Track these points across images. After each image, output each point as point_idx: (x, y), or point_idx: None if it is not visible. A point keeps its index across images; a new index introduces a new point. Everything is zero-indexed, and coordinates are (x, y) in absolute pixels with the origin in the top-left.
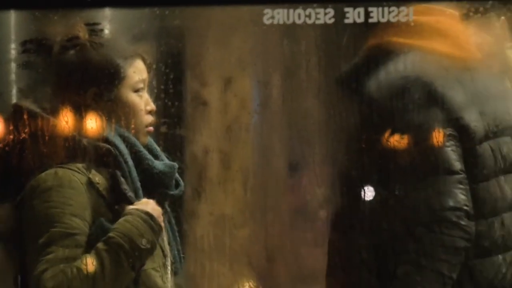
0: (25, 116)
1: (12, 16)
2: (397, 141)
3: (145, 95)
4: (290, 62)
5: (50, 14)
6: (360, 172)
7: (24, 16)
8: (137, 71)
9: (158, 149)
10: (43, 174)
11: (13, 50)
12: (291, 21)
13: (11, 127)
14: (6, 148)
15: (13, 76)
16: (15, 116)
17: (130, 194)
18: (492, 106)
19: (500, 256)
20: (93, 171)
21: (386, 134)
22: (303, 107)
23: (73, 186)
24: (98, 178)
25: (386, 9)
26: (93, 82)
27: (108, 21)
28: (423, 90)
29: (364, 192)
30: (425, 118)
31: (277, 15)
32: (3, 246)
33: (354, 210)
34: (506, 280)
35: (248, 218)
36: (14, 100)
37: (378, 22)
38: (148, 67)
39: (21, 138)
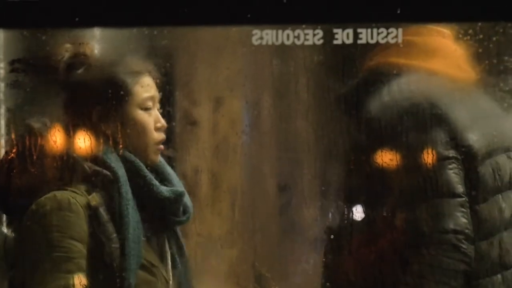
0: (28, 136)
1: (0, 35)
2: (399, 162)
3: (155, 112)
4: (279, 83)
5: (38, 34)
6: (355, 192)
7: (12, 35)
8: (145, 88)
9: (169, 171)
10: (42, 198)
11: (1, 69)
12: (280, 41)
13: (15, 147)
14: (8, 168)
15: (1, 95)
16: (20, 136)
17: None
18: (490, 125)
19: (499, 276)
20: (94, 194)
21: (388, 155)
22: (292, 128)
23: (72, 209)
24: (96, 201)
25: (375, 30)
26: (97, 101)
27: (96, 41)
28: (428, 111)
29: (360, 212)
30: (428, 140)
31: (266, 36)
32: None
33: (351, 231)
34: None
35: (236, 238)
36: (2, 120)
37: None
38: (157, 83)
39: (22, 158)
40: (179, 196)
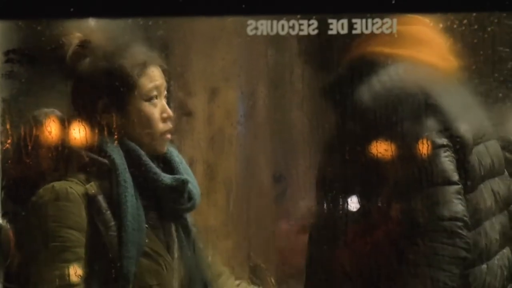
0: (29, 126)
1: None
2: (395, 152)
3: (161, 102)
4: (274, 73)
5: (33, 24)
6: (351, 182)
7: (7, 25)
8: (150, 79)
9: (177, 160)
10: (41, 189)
11: None
12: (274, 32)
13: (9, 138)
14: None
15: None
16: (24, 127)
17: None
18: (474, 114)
19: (484, 265)
20: (92, 183)
21: (382, 145)
22: (287, 118)
23: (70, 199)
24: (94, 189)
25: (369, 20)
26: (102, 93)
27: (91, 31)
28: (420, 100)
29: (355, 203)
30: (422, 128)
31: (261, 26)
32: None
33: (345, 222)
34: None
35: (232, 229)
36: None
37: (361, 34)
38: (165, 74)
39: (27, 149)
40: (181, 183)
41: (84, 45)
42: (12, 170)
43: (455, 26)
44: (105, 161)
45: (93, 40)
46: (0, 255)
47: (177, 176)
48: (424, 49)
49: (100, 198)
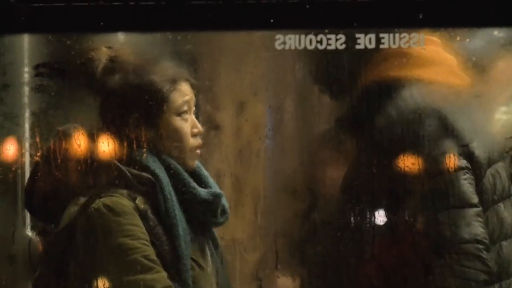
0: (67, 141)
1: (26, 40)
2: (415, 175)
3: (191, 117)
4: (301, 87)
5: (63, 38)
6: (372, 200)
7: (37, 39)
8: (181, 94)
9: (206, 174)
10: (92, 210)
11: (26, 73)
12: (302, 46)
13: (51, 152)
14: (45, 173)
15: (26, 99)
16: (56, 140)
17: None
18: (488, 133)
19: (496, 286)
20: (139, 198)
21: (405, 168)
22: (314, 132)
23: (127, 212)
24: (143, 204)
25: (397, 35)
26: (134, 108)
27: (120, 45)
28: (437, 121)
29: (377, 221)
30: (440, 150)
31: (289, 41)
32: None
33: (365, 238)
34: None
35: (259, 242)
36: (27, 123)
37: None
38: (194, 88)
39: (61, 163)
40: (217, 197)
41: (113, 60)
42: (43, 183)
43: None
44: (150, 176)
45: (122, 55)
46: (29, 267)
47: (212, 190)
48: (436, 69)
49: (149, 212)
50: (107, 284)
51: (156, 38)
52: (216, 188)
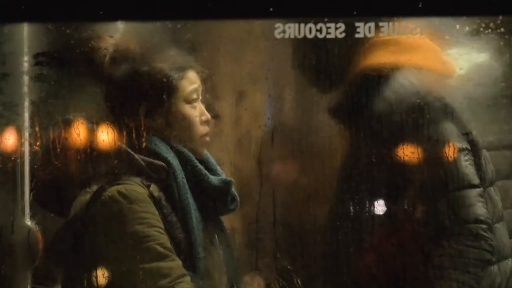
0: (78, 130)
1: (25, 29)
2: (417, 158)
3: (199, 105)
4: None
5: (62, 27)
6: (374, 187)
7: (36, 28)
8: (190, 81)
9: (214, 162)
10: (106, 197)
11: (25, 62)
12: (302, 35)
13: (62, 140)
14: (57, 162)
15: (25, 89)
16: (66, 129)
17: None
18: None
19: (495, 266)
20: (153, 185)
21: (407, 152)
22: (314, 121)
23: (141, 199)
24: (157, 192)
25: (396, 23)
26: (144, 97)
27: (120, 34)
28: (437, 105)
29: (378, 207)
30: (443, 134)
31: (288, 29)
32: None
33: (367, 226)
34: None
35: (258, 231)
36: (26, 113)
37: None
38: (201, 76)
39: (72, 152)
40: (228, 185)
41: (120, 49)
42: (52, 173)
43: (481, 29)
44: (163, 164)
45: (128, 44)
46: (29, 257)
47: (222, 177)
48: (427, 55)
49: (163, 200)
50: (121, 272)
51: (156, 26)
52: (225, 176)
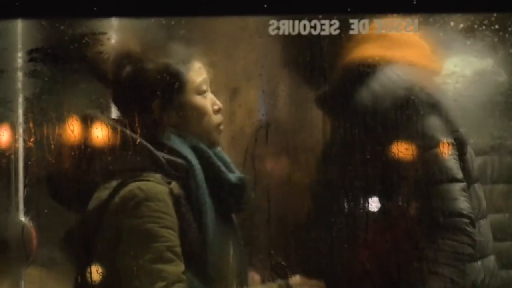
0: (96, 127)
1: (19, 25)
2: (402, 151)
3: (210, 95)
4: (295, 73)
5: (56, 23)
6: (364, 183)
7: (30, 25)
8: (198, 73)
9: (227, 159)
10: (126, 191)
11: (19, 59)
12: (296, 32)
13: (80, 137)
14: (76, 158)
15: (19, 85)
16: (86, 125)
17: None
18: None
19: (479, 262)
20: (173, 182)
21: (391, 144)
22: (308, 117)
23: (160, 198)
24: (177, 189)
25: (391, 20)
26: (155, 94)
27: (114, 31)
28: (424, 99)
29: (368, 203)
30: (428, 128)
31: (283, 26)
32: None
33: (357, 221)
34: (484, 285)
35: (253, 227)
36: (20, 109)
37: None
38: (207, 67)
39: (90, 148)
40: (245, 182)
41: (121, 51)
42: (70, 169)
43: (475, 26)
44: (183, 162)
45: (127, 44)
46: (22, 252)
47: (240, 175)
48: (413, 51)
49: (183, 198)
50: (126, 266)
51: (150, 23)
52: (239, 173)
